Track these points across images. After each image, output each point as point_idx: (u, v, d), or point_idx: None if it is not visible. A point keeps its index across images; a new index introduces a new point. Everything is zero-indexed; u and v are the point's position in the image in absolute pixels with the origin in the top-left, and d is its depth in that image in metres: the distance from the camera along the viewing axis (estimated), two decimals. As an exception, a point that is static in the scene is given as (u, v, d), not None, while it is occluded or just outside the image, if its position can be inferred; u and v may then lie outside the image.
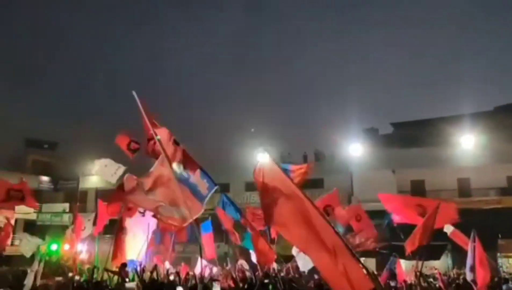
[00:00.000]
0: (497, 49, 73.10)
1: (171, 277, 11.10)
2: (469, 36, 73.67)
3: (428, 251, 10.86)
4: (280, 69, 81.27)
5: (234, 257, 16.98)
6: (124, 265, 11.97)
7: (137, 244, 13.28)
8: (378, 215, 15.52)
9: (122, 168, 13.79)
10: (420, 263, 10.27)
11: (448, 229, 13.79)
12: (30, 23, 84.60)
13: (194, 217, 8.01)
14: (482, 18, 75.71)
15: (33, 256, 13.78)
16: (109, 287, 10.11)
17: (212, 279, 10.35)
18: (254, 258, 14.55)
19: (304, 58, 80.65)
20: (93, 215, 16.46)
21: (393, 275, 11.75)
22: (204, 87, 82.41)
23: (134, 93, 8.20)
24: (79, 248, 16.28)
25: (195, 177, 8.13)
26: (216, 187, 8.11)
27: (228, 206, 11.68)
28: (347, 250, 5.22)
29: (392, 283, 10.34)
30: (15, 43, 79.69)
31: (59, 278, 12.34)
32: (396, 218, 13.19)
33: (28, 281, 10.05)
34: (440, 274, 13.99)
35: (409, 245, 10.44)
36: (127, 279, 10.75)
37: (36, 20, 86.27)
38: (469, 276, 12.02)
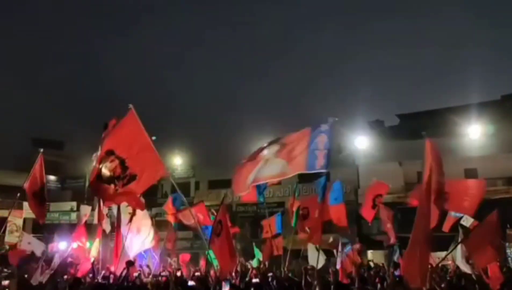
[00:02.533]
0: (503, 37, 72.27)
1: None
2: (474, 25, 72.95)
3: (436, 242, 10.82)
4: (284, 62, 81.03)
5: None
6: (130, 262, 11.97)
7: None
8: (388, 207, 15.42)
9: None
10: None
11: (468, 221, 13.59)
12: (40, 20, 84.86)
13: (290, 174, 9.32)
14: (487, 7, 74.86)
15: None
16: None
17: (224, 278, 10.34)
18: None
19: (309, 51, 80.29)
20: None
21: (396, 265, 11.75)
22: (209, 85, 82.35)
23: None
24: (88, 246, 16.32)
25: (321, 151, 9.03)
26: (325, 173, 9.12)
27: None
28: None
29: (396, 272, 10.28)
30: (18, 43, 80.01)
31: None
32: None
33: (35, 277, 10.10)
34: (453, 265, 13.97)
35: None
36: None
37: (46, 18, 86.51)
38: (466, 268, 12.03)
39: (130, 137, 9.29)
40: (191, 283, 9.77)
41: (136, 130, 9.28)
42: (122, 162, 8.99)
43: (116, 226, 12.91)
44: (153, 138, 9.09)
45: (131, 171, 9.08)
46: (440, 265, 13.93)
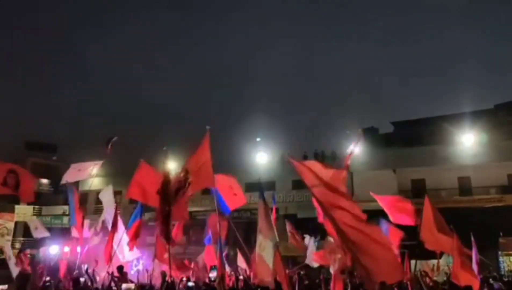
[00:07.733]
0: (497, 46, 73.07)
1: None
2: (469, 33, 73.70)
3: (428, 250, 10.88)
4: (278, 69, 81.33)
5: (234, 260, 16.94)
6: (121, 267, 11.85)
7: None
8: (379, 215, 15.44)
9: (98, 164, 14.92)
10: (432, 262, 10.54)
11: None
12: (34, 23, 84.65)
13: None
14: (481, 15, 75.70)
15: None
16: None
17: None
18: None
19: (303, 59, 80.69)
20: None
21: None
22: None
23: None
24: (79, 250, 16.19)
25: None
26: None
27: None
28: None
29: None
30: (15, 47, 79.72)
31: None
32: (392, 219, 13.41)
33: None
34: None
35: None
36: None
37: (38, 20, 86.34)
38: None
39: (201, 155, 10.98)
40: (190, 283, 9.86)
41: (205, 148, 10.94)
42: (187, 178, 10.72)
43: (111, 229, 12.83)
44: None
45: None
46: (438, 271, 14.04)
